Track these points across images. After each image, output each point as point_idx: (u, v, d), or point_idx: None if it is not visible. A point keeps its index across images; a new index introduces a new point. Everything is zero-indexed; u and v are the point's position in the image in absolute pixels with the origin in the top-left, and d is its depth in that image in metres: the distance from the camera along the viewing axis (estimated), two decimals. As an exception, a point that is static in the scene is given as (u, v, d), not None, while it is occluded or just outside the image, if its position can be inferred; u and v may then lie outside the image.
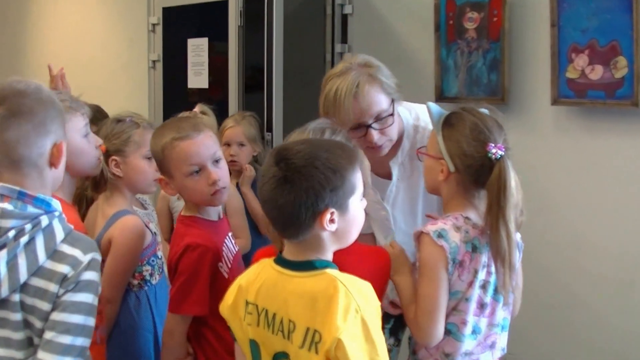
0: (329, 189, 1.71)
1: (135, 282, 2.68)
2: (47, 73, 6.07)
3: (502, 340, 2.18)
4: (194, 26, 5.01)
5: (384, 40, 4.13)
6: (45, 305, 1.80)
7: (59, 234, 1.83)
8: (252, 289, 1.85)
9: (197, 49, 4.86)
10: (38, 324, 1.81)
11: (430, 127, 2.23)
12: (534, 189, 3.55)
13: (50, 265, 1.80)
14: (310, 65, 4.43)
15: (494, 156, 2.02)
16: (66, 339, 1.79)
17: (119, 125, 2.76)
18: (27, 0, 6.74)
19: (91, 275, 1.84)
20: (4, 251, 1.77)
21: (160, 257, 2.83)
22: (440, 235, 2.01)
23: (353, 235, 1.85)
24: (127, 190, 2.78)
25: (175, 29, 5.16)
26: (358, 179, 1.79)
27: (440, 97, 3.82)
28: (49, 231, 1.81)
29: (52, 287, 1.79)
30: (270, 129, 3.97)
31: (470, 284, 2.05)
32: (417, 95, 3.88)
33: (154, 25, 5.34)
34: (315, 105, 4.21)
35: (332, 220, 1.73)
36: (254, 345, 1.85)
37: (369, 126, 2.41)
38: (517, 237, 2.15)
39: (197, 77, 4.90)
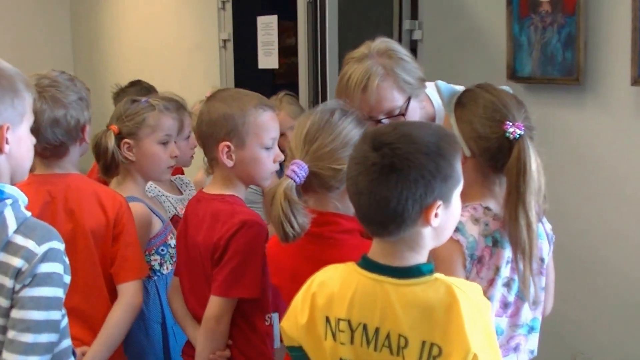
0: (439, 179, 1.54)
1: None
2: (126, 59, 6.16)
3: (530, 342, 2.01)
4: (263, 2, 4.89)
5: (456, 15, 3.91)
6: (3, 302, 1.73)
7: (11, 224, 1.73)
8: (338, 302, 1.65)
9: (267, 27, 4.76)
10: (0, 320, 1.75)
11: None
12: (609, 180, 3.30)
13: (4, 258, 1.72)
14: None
15: (512, 136, 1.84)
16: (28, 338, 1.72)
17: (134, 106, 2.68)
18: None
19: (49, 267, 1.75)
20: None
21: (173, 245, 2.72)
22: (456, 228, 1.80)
23: (450, 232, 1.70)
24: (139, 176, 2.70)
25: (245, 5, 5.09)
26: (460, 167, 1.64)
27: (512, 77, 3.57)
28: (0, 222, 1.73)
29: (8, 282, 1.72)
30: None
31: (492, 282, 1.88)
32: (488, 75, 3.65)
33: (223, 2, 5.27)
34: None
35: (437, 215, 1.57)
36: None
37: (379, 121, 2.26)
38: (547, 227, 1.99)
39: (267, 57, 4.79)
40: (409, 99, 2.28)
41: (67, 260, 1.82)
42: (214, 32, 5.32)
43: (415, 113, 2.32)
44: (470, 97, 1.96)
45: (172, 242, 2.74)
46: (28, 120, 1.84)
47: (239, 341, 2.27)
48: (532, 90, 3.50)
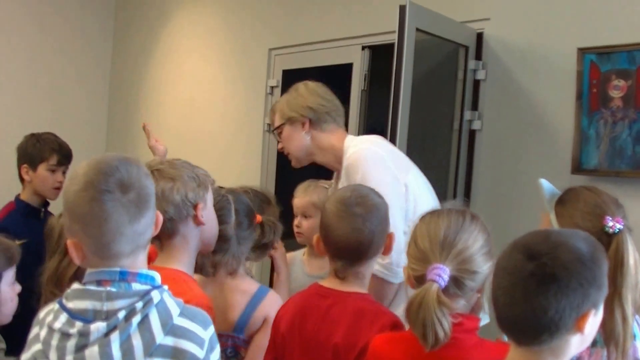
0: (595, 287, 1.58)
1: None
2: (171, 134, 6.09)
3: None
4: (313, 90, 5.02)
5: (517, 107, 4.08)
6: None
7: (174, 308, 1.78)
8: None
9: (315, 114, 4.85)
10: None
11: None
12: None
13: (173, 342, 1.75)
14: (436, 132, 4.37)
15: (611, 230, 1.96)
16: None
17: None
18: (146, 62, 6.91)
19: (216, 354, 1.84)
20: (116, 334, 1.71)
21: None
22: None
23: (592, 338, 1.69)
24: None
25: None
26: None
27: (577, 169, 3.72)
28: (162, 307, 1.77)
29: None
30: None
31: None
32: (550, 166, 3.80)
33: (272, 87, 5.47)
34: (441, 172, 4.11)
35: (588, 323, 1.60)
36: None
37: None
38: None
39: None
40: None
41: None
42: (260, 116, 5.49)
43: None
44: (571, 194, 2.10)
45: None
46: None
47: None
48: (597, 182, 3.61)
